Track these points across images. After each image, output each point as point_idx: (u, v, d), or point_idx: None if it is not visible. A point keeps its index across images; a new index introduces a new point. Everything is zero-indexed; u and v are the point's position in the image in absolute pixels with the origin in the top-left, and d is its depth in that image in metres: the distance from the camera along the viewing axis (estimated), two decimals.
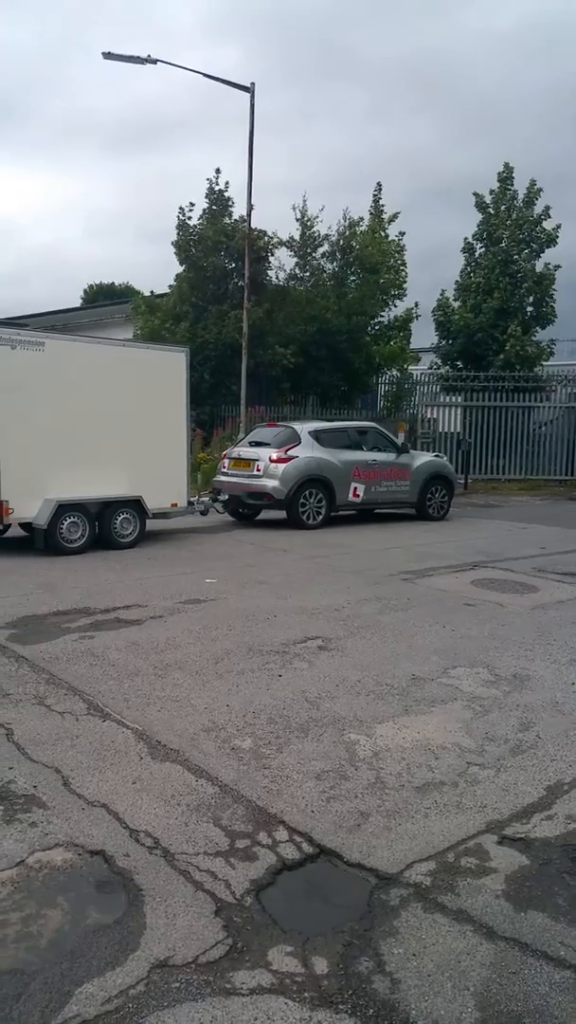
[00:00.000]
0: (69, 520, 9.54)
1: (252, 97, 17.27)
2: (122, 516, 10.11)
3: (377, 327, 24.63)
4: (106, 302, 35.91)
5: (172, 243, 22.03)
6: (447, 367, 24.86)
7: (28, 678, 4.86)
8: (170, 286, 23.19)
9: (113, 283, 44.35)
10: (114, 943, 2.41)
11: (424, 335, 27.14)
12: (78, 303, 41.71)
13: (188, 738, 3.96)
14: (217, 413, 20.80)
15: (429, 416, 22.67)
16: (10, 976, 2.26)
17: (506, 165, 24.12)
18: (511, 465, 22.12)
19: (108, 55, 15.72)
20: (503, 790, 3.46)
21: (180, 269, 22.42)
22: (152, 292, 24.43)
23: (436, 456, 14.77)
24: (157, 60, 16.09)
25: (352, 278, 23.71)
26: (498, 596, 7.43)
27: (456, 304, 24.66)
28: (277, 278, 22.98)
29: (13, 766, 3.62)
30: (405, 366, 25.45)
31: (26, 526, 9.64)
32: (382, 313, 24.59)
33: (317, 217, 23.26)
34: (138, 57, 15.91)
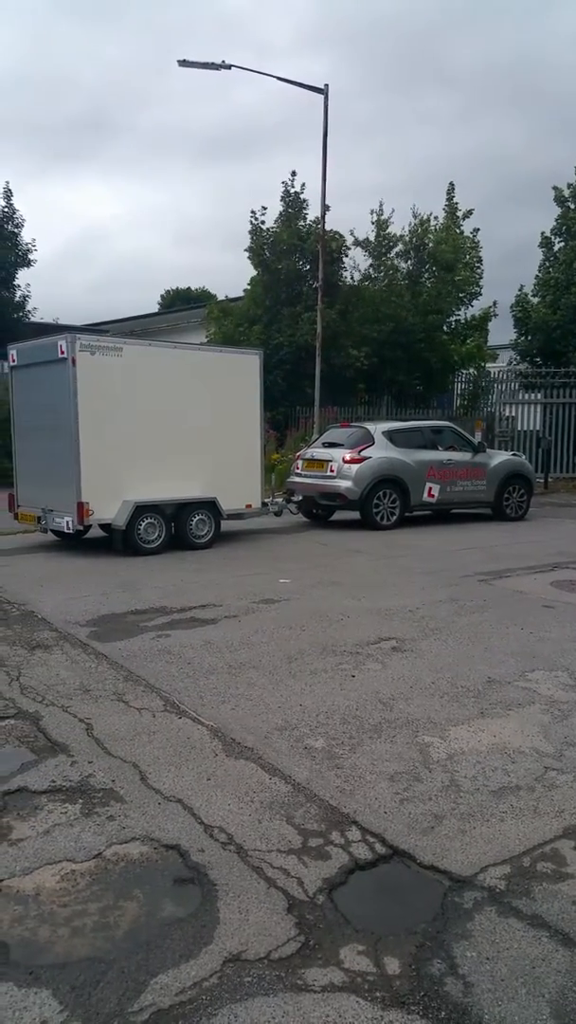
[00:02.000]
0: (146, 521, 9.73)
1: (326, 99, 17.31)
2: (197, 517, 10.25)
3: (454, 325, 24.32)
4: (182, 307, 36.49)
5: (246, 249, 22.22)
6: (525, 364, 24.35)
7: (107, 675, 4.98)
8: (245, 289, 23.40)
9: (189, 288, 45.00)
10: (188, 936, 2.45)
11: (503, 332, 26.72)
12: (155, 308, 42.50)
13: (262, 736, 4.00)
14: (291, 415, 20.88)
15: (507, 414, 22.23)
16: (89, 963, 2.33)
17: None
18: None
19: (183, 63, 15.96)
20: None
21: (254, 273, 22.61)
22: (227, 296, 24.70)
23: (514, 455, 14.49)
24: (232, 66, 16.25)
25: (426, 276, 23.47)
26: None
27: (535, 300, 24.14)
28: (351, 279, 22.92)
29: (92, 760, 3.71)
30: (483, 364, 25.05)
31: (105, 527, 9.86)
32: (458, 311, 24.27)
33: (390, 219, 23.14)
34: (213, 63, 16.10)
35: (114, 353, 9.52)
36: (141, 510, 9.66)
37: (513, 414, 22.31)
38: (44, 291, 76.74)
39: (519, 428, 21.84)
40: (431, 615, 6.53)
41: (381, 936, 2.46)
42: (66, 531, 9.67)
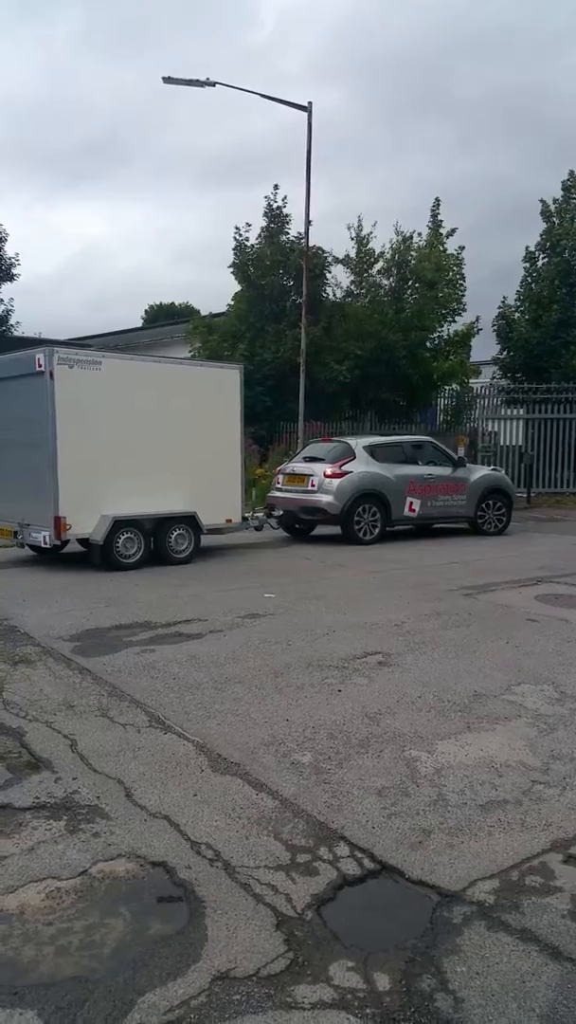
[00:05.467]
0: (125, 536, 9.65)
1: (309, 116, 17.50)
2: (177, 532, 10.18)
3: (436, 341, 24.47)
4: (166, 322, 36.54)
5: (230, 265, 22.32)
6: (508, 379, 24.54)
7: (91, 690, 4.94)
8: (228, 305, 23.46)
9: (173, 303, 45.05)
10: (176, 954, 2.42)
11: (486, 347, 26.92)
12: (139, 323, 42.52)
13: (248, 752, 3.98)
14: (275, 430, 20.91)
15: (490, 429, 22.39)
16: (74, 983, 2.29)
17: (571, 173, 23.74)
18: None
19: (168, 79, 16.08)
20: (569, 808, 3.38)
21: (237, 288, 22.70)
22: (210, 313, 24.76)
23: (493, 470, 14.58)
24: (216, 83, 16.38)
25: (409, 293, 23.64)
26: (563, 612, 7.28)
27: (516, 315, 24.36)
28: (334, 295, 23.06)
29: (77, 776, 3.67)
30: (465, 380, 25.21)
31: (84, 542, 9.79)
32: (440, 328, 24.43)
33: (372, 233, 23.32)
34: (197, 80, 16.22)
35: (93, 367, 9.46)
36: (120, 525, 9.58)
37: (496, 429, 22.47)
38: (44, 307, 77.35)
39: (502, 443, 21.99)
40: (417, 629, 6.53)
41: (370, 952, 2.44)
42: (43, 546, 9.55)
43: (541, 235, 24.24)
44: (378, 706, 4.66)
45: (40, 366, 9.16)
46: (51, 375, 9.07)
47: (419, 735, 4.21)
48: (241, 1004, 2.20)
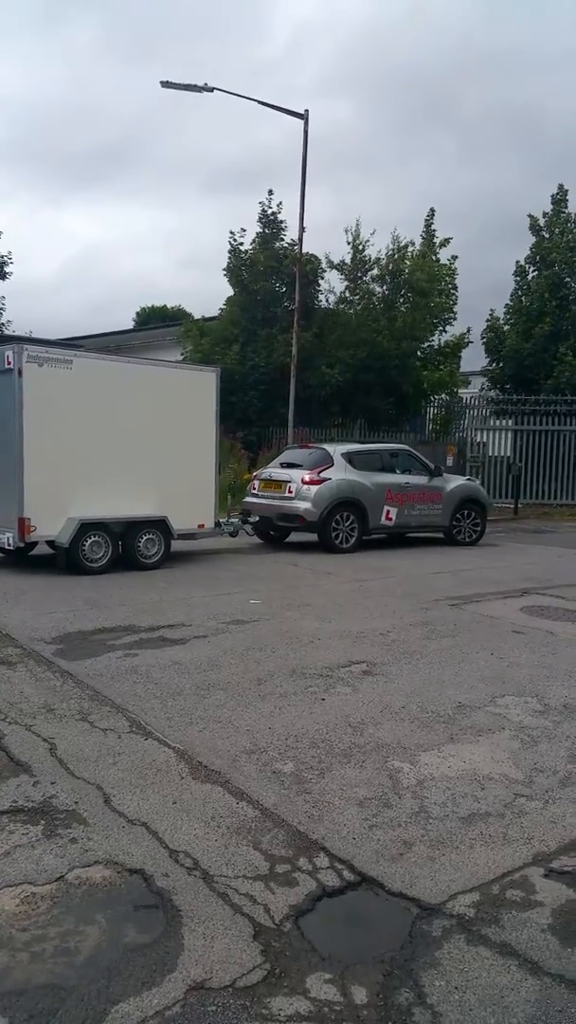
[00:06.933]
0: (92, 539, 9.45)
1: (306, 123, 17.60)
2: (146, 536, 9.99)
3: (427, 351, 24.56)
4: (158, 324, 36.50)
5: (224, 269, 22.36)
6: (496, 390, 24.66)
7: (72, 694, 4.90)
8: (221, 309, 23.48)
9: (165, 305, 44.99)
10: (151, 963, 2.38)
11: (476, 358, 27.08)
12: (131, 325, 42.42)
13: (229, 759, 3.94)
14: (265, 435, 20.91)
15: (479, 440, 22.47)
16: (47, 991, 2.26)
17: (560, 187, 23.96)
18: (563, 490, 21.77)
19: (165, 83, 16.10)
20: (551, 822, 3.36)
21: (230, 292, 22.73)
22: (203, 316, 24.79)
23: (468, 480, 14.63)
24: (214, 88, 16.43)
25: (401, 302, 23.73)
26: (549, 624, 7.29)
27: (507, 328, 24.51)
28: (327, 301, 23.11)
29: (55, 781, 3.63)
30: (454, 390, 25.32)
31: (53, 543, 9.59)
32: (432, 338, 24.53)
33: (368, 240, 23.41)
34: (195, 85, 16.28)
35: (64, 365, 9.31)
36: (86, 528, 9.39)
37: (484, 440, 22.55)
38: (47, 308, 77.21)
39: (490, 454, 22.07)
40: (402, 639, 6.52)
41: (348, 964, 2.41)
42: (7, 547, 9.35)
43: (531, 248, 24.44)
44: (362, 716, 4.64)
45: (9, 363, 8.99)
46: (19, 372, 8.91)
47: (402, 746, 4.19)
48: (216, 1015, 2.17)
